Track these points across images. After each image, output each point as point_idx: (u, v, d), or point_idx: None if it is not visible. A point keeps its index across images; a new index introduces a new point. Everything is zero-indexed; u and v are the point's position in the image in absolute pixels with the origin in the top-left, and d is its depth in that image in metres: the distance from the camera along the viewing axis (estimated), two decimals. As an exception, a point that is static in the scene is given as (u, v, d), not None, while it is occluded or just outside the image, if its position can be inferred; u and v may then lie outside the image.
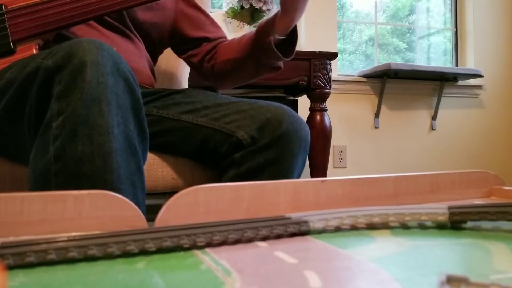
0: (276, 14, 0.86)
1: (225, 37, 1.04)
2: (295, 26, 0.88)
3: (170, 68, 1.20)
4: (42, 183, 0.58)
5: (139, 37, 0.96)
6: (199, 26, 1.03)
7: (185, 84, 1.24)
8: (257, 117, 0.77)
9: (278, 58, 0.88)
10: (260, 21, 0.89)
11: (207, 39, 1.02)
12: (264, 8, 1.63)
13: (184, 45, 1.04)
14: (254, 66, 0.93)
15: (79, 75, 0.59)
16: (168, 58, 1.16)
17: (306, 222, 0.36)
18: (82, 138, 0.57)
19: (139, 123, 0.65)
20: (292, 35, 0.89)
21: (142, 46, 0.97)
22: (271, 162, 0.76)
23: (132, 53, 0.92)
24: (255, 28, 0.91)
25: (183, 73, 1.24)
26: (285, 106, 0.81)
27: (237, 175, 0.77)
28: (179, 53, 1.07)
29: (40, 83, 0.61)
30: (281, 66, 0.94)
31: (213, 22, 1.06)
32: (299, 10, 0.84)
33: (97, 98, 0.58)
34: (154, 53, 1.03)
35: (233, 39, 0.99)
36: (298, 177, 0.81)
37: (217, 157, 0.80)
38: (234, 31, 1.62)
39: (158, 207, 0.38)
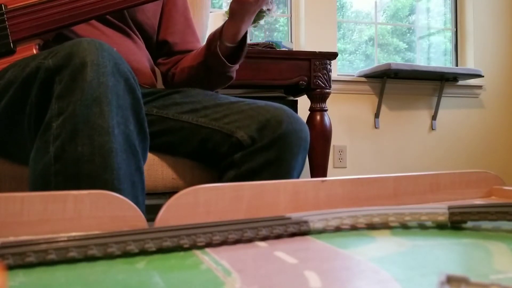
0: (225, 22, 0.87)
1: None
2: (245, 35, 0.89)
3: (170, 68, 1.20)
4: (42, 183, 0.58)
5: (140, 36, 0.97)
6: (176, 34, 1.02)
7: (185, 84, 1.23)
8: (257, 118, 0.77)
9: (223, 63, 0.89)
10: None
11: (179, 52, 1.01)
12: (264, 8, 1.63)
13: (157, 48, 1.03)
14: (204, 73, 0.94)
15: (79, 75, 0.59)
16: (168, 58, 1.16)
17: (306, 222, 0.36)
18: (82, 138, 0.57)
19: (139, 123, 0.65)
20: (241, 45, 0.89)
21: (143, 45, 0.97)
22: (271, 163, 0.76)
23: (133, 53, 0.92)
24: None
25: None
26: (284, 107, 0.81)
27: (237, 175, 0.77)
28: (156, 57, 1.05)
29: (41, 83, 0.61)
30: (232, 76, 0.95)
31: (193, 33, 1.05)
32: (246, 20, 0.84)
33: (98, 98, 0.58)
34: (151, 54, 1.03)
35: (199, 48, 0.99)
36: (298, 177, 0.81)
37: (217, 157, 0.80)
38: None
39: (158, 207, 0.38)
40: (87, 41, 0.62)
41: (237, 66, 0.93)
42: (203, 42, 1.07)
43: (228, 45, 0.88)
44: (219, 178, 0.81)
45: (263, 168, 0.76)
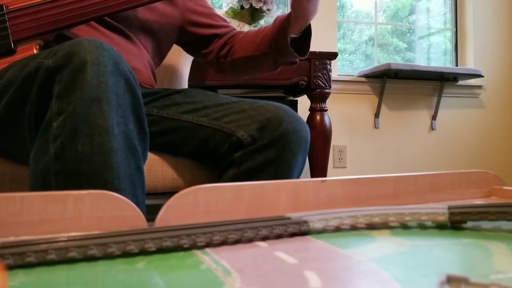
0: (290, 14, 0.87)
1: (233, 30, 1.05)
2: (309, 25, 0.89)
3: (170, 68, 1.20)
4: (42, 182, 0.58)
5: (140, 37, 0.96)
6: (208, 23, 1.04)
7: (185, 84, 1.24)
8: (257, 117, 0.77)
9: (294, 57, 0.91)
10: (275, 19, 0.91)
11: (217, 36, 1.03)
12: (264, 8, 1.63)
13: (195, 44, 1.05)
14: (271, 63, 0.96)
15: (79, 75, 0.59)
16: (168, 58, 1.16)
17: (306, 222, 0.36)
18: (82, 138, 0.57)
19: (139, 123, 0.65)
20: (307, 33, 0.91)
21: (142, 46, 0.97)
22: (271, 162, 0.76)
23: (132, 53, 0.92)
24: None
25: (183, 73, 1.24)
26: (285, 106, 0.81)
27: (237, 174, 0.77)
28: (191, 51, 1.08)
29: (41, 82, 0.61)
30: (297, 60, 0.96)
31: (220, 17, 1.06)
32: (312, 12, 0.84)
33: (98, 97, 0.58)
34: (161, 53, 1.03)
35: (247, 33, 1.00)
36: (298, 177, 0.81)
37: (217, 156, 0.80)
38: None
39: (158, 207, 0.38)
40: (87, 41, 0.62)
41: (307, 53, 0.95)
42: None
43: (294, 36, 0.89)
44: (219, 177, 0.81)
45: (263, 167, 0.76)
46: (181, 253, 0.31)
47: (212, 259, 0.30)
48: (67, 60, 0.60)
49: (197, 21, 1.03)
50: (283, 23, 0.88)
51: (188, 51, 1.09)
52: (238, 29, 1.10)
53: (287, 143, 0.76)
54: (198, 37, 1.04)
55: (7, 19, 0.77)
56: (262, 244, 0.33)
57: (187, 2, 1.03)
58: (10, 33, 0.77)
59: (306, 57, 0.94)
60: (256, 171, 0.76)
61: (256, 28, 0.99)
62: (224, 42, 1.02)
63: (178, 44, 1.07)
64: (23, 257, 0.28)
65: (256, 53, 0.95)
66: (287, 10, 2.48)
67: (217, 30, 1.03)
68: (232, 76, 1.05)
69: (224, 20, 1.07)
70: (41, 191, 0.36)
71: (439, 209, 0.38)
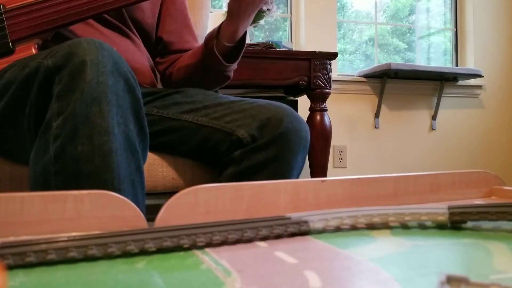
0: (223, 21, 0.87)
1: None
2: (244, 36, 0.88)
3: (170, 68, 1.20)
4: (42, 183, 0.58)
5: (138, 36, 0.96)
6: (173, 33, 1.02)
7: (185, 84, 1.23)
8: (257, 116, 0.77)
9: (220, 63, 0.89)
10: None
11: (176, 51, 1.01)
12: (264, 8, 1.63)
13: (155, 47, 1.03)
14: (201, 72, 0.93)
15: (79, 75, 0.59)
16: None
17: (306, 222, 0.36)
18: (82, 138, 0.57)
19: (139, 123, 0.65)
20: (239, 45, 0.89)
21: (142, 45, 0.97)
22: (271, 161, 0.76)
23: (132, 53, 0.92)
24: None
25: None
26: (285, 106, 0.81)
27: (236, 173, 0.77)
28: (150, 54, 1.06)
29: (40, 83, 0.61)
30: (229, 75, 0.94)
31: (191, 33, 1.05)
32: (244, 20, 0.84)
33: (97, 97, 0.58)
34: (151, 53, 1.03)
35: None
36: (298, 176, 0.81)
37: (218, 156, 0.80)
38: None
39: (158, 207, 0.38)
40: (86, 41, 0.62)
41: (234, 66, 0.93)
42: (202, 41, 1.07)
43: (226, 44, 0.88)
44: (218, 175, 0.81)
45: (262, 166, 0.76)
46: (181, 253, 0.31)
47: (212, 259, 0.30)
48: (67, 61, 0.60)
49: (163, 24, 1.01)
50: (215, 29, 0.88)
51: (152, 54, 1.06)
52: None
53: (287, 143, 0.76)
54: (157, 39, 1.02)
55: (4, 18, 0.77)
56: (262, 244, 0.33)
57: (167, 2, 1.02)
58: (8, 33, 0.77)
59: (234, 64, 0.91)
60: (255, 170, 0.76)
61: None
62: (179, 57, 1.00)
63: None
64: (23, 257, 0.28)
65: (190, 61, 0.94)
66: (287, 10, 2.48)
67: (174, 41, 1.01)
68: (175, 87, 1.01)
69: (193, 35, 1.05)
70: (41, 191, 0.36)
71: (439, 209, 0.38)
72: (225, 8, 1.70)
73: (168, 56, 1.02)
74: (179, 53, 1.01)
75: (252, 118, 0.77)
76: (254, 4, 0.81)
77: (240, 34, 0.87)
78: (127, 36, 0.93)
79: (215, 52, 0.87)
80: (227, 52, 0.89)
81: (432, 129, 2.62)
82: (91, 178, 0.57)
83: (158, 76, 1.06)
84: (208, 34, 0.90)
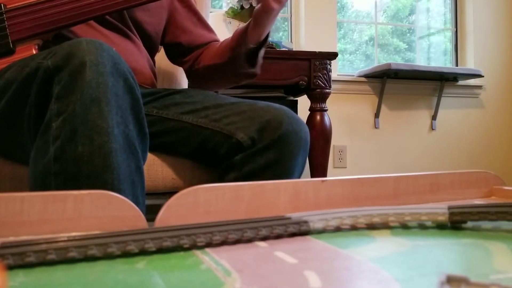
0: (248, 25, 0.88)
1: (217, 40, 1.04)
2: (267, 35, 0.90)
3: (170, 68, 1.20)
4: (42, 183, 0.58)
5: (139, 37, 0.96)
6: (188, 31, 1.03)
7: (184, 84, 1.24)
8: (257, 119, 0.77)
9: (247, 66, 0.92)
10: (235, 30, 0.92)
11: (196, 47, 1.02)
12: (264, 8, 1.63)
13: (171, 48, 1.05)
14: (232, 73, 0.96)
15: (78, 75, 0.59)
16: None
17: (306, 222, 0.36)
18: (82, 138, 0.57)
19: (138, 123, 0.65)
20: (263, 44, 0.91)
21: (142, 45, 0.97)
22: (272, 164, 0.76)
23: (132, 53, 0.92)
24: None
25: (182, 73, 1.24)
26: (285, 108, 0.81)
27: (237, 177, 0.77)
28: (170, 57, 1.08)
29: (40, 83, 0.61)
30: (256, 73, 0.96)
31: (205, 26, 1.06)
32: (270, 25, 0.86)
33: (97, 98, 0.58)
34: (153, 53, 1.03)
35: (218, 42, 1.01)
36: (298, 177, 0.81)
37: (217, 158, 0.80)
38: (234, 31, 1.62)
39: (158, 207, 0.38)
40: (86, 41, 0.62)
41: (260, 63, 0.95)
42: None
43: (252, 46, 0.90)
44: (219, 179, 0.81)
45: (263, 169, 0.76)
46: (181, 253, 0.31)
47: (212, 259, 0.30)
48: (66, 61, 0.60)
49: (176, 26, 1.03)
50: (242, 31, 0.90)
51: (168, 56, 1.08)
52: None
53: (287, 145, 0.76)
54: (175, 43, 1.03)
55: (5, 18, 0.77)
56: (262, 244, 0.33)
57: (175, 2, 1.03)
58: (8, 33, 0.77)
59: (255, 69, 0.94)
60: (257, 173, 0.76)
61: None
62: (201, 52, 1.01)
63: (162, 45, 1.07)
64: (23, 257, 0.28)
65: (217, 61, 0.96)
66: (287, 10, 2.48)
67: (193, 41, 1.02)
68: (199, 86, 1.03)
69: (208, 28, 1.06)
70: (41, 191, 0.36)
71: (439, 209, 0.38)
72: (225, 8, 1.70)
73: (189, 55, 1.03)
74: (198, 48, 1.02)
75: (252, 121, 0.77)
76: (278, 11, 0.83)
77: (265, 35, 0.89)
78: (127, 36, 0.93)
79: (245, 60, 0.91)
80: (252, 51, 0.91)
81: (432, 129, 2.62)
82: (91, 178, 0.57)
83: (159, 76, 1.07)
84: (234, 36, 0.91)
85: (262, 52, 0.93)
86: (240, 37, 0.90)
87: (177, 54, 1.05)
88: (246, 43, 0.89)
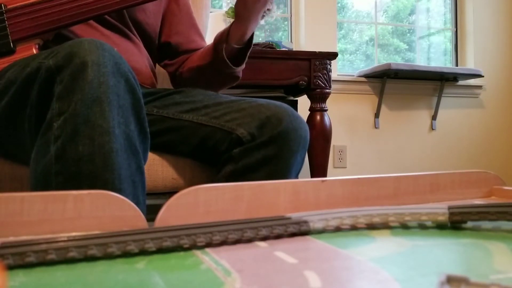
0: (232, 23, 0.87)
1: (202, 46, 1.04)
2: (252, 37, 0.89)
3: (170, 68, 1.20)
4: (43, 183, 0.58)
5: (139, 36, 0.97)
6: (180, 33, 1.02)
7: (185, 84, 1.24)
8: (257, 115, 0.78)
9: (229, 66, 0.90)
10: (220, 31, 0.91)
11: (185, 51, 1.02)
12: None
13: (162, 51, 1.04)
14: (211, 74, 0.95)
15: (80, 75, 0.59)
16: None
17: (306, 222, 0.36)
18: (83, 138, 0.57)
19: (140, 123, 0.65)
20: (247, 45, 0.90)
21: (142, 45, 0.97)
22: (269, 159, 0.76)
23: (132, 53, 0.92)
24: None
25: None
26: (285, 105, 0.81)
27: (234, 170, 0.77)
28: (156, 58, 1.06)
29: (41, 83, 0.61)
30: (239, 75, 0.95)
31: (198, 32, 1.06)
32: (252, 21, 0.85)
33: (98, 98, 0.58)
34: (152, 53, 1.03)
35: (202, 48, 1.00)
36: (296, 175, 0.81)
37: (217, 155, 0.80)
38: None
39: (158, 207, 0.38)
40: (87, 41, 0.62)
41: (242, 67, 0.94)
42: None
43: (235, 46, 0.89)
44: (217, 172, 0.81)
45: (261, 164, 0.76)
46: (181, 253, 0.31)
47: (212, 259, 0.30)
48: (68, 61, 0.60)
49: (169, 27, 1.02)
50: (224, 31, 0.89)
51: (160, 56, 1.07)
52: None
53: (286, 142, 0.76)
54: (164, 43, 1.03)
55: (5, 18, 0.77)
56: (262, 244, 0.33)
57: (172, 3, 1.03)
58: (9, 33, 0.77)
59: (240, 68, 0.92)
60: (254, 167, 0.76)
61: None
62: (187, 58, 1.01)
63: None
64: (23, 257, 0.28)
65: (199, 63, 0.95)
66: (287, 10, 2.48)
67: (183, 44, 1.02)
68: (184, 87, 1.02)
69: (199, 35, 1.06)
70: (42, 191, 0.36)
71: (439, 209, 0.38)
72: (225, 8, 1.70)
73: (176, 58, 1.03)
74: (187, 53, 1.02)
75: (252, 117, 0.78)
76: (259, 3, 0.81)
77: (249, 35, 0.88)
78: (127, 36, 0.93)
79: (224, 57, 0.88)
80: (236, 53, 0.90)
81: (432, 129, 2.62)
82: (91, 178, 0.57)
83: (159, 76, 1.07)
84: (217, 36, 0.91)
85: (246, 54, 0.91)
86: (221, 36, 0.89)
87: (165, 56, 1.04)
88: (228, 40, 0.88)
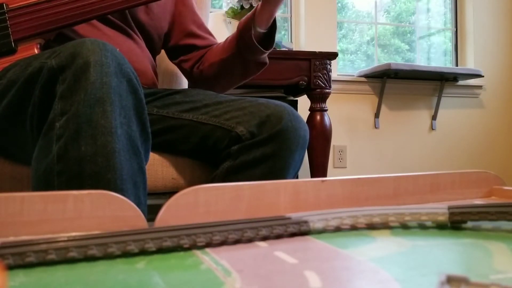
0: (255, 9, 0.87)
1: (214, 43, 1.05)
2: (275, 20, 0.89)
3: (170, 68, 1.20)
4: (44, 182, 0.58)
5: (141, 36, 0.97)
6: (190, 33, 1.03)
7: (185, 84, 1.24)
8: (257, 114, 0.78)
9: (259, 51, 0.90)
10: (239, 23, 0.91)
11: (195, 47, 1.03)
12: (264, 8, 1.63)
13: (174, 50, 1.05)
14: (240, 64, 0.95)
15: (82, 75, 0.59)
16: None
17: (306, 222, 0.36)
18: (85, 138, 0.57)
19: (141, 124, 0.65)
20: (272, 29, 0.90)
21: (144, 46, 0.97)
22: (268, 157, 0.76)
23: (134, 54, 0.92)
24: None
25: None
26: (285, 104, 0.81)
27: (232, 166, 0.77)
28: (170, 57, 1.08)
29: (44, 83, 0.61)
30: (266, 61, 0.96)
31: (206, 30, 1.07)
32: (279, 2, 0.85)
33: (101, 98, 0.58)
34: (154, 54, 1.04)
35: (219, 43, 1.00)
36: (294, 174, 0.81)
37: (217, 153, 0.81)
38: (234, 31, 1.62)
39: (158, 207, 0.38)
40: (90, 41, 0.62)
41: (271, 49, 0.94)
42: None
43: (261, 31, 0.89)
44: (215, 168, 0.81)
45: (259, 161, 0.76)
46: (181, 253, 0.31)
47: (212, 259, 0.30)
48: (71, 61, 0.60)
49: (179, 28, 1.03)
50: (248, 18, 0.89)
51: (169, 56, 1.09)
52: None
53: (285, 140, 0.76)
54: (176, 45, 1.04)
55: (7, 18, 0.77)
56: (262, 244, 0.33)
57: (179, 4, 1.03)
58: (10, 32, 0.77)
59: (271, 48, 0.92)
60: (251, 165, 0.76)
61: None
62: (203, 54, 1.02)
63: (165, 49, 1.08)
64: (23, 257, 0.28)
65: (223, 55, 0.95)
66: (287, 10, 2.48)
67: (195, 41, 1.03)
68: (204, 87, 1.01)
69: (208, 32, 1.07)
70: (44, 191, 0.36)
71: (439, 209, 0.38)
72: (225, 8, 1.70)
73: (191, 53, 1.03)
74: (201, 49, 1.03)
75: (252, 115, 0.78)
76: None
77: (273, 17, 0.88)
78: (129, 36, 0.93)
79: (254, 42, 0.88)
80: (262, 38, 0.90)
81: (432, 129, 2.62)
82: (94, 178, 0.57)
83: (160, 76, 1.07)
84: (240, 25, 0.90)
85: (273, 37, 0.91)
86: (246, 23, 0.89)
87: (179, 54, 1.05)
88: (255, 27, 0.88)
